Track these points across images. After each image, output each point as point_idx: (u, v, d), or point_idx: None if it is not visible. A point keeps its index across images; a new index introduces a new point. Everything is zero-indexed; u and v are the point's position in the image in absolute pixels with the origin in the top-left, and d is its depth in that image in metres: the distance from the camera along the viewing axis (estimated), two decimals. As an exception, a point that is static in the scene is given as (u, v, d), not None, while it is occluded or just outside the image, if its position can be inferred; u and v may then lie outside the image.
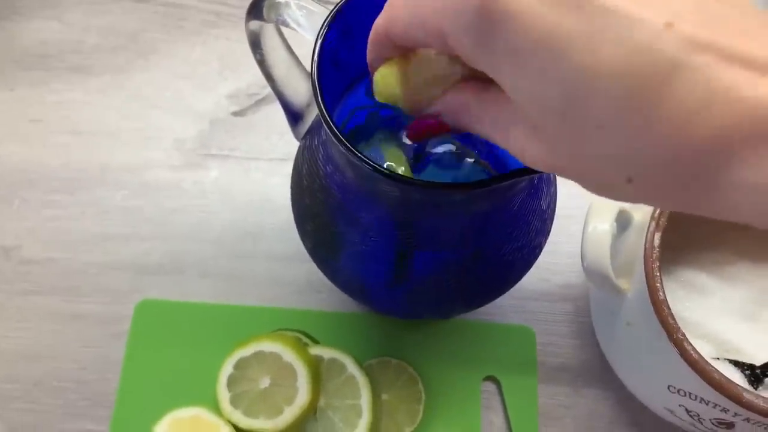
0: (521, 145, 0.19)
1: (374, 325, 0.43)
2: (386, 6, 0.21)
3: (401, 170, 0.29)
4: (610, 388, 0.42)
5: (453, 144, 0.32)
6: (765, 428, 0.33)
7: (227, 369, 0.39)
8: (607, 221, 0.35)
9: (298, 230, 0.36)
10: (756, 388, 0.37)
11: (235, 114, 0.49)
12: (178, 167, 0.47)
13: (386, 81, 0.22)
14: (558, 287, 0.44)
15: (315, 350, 0.40)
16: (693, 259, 0.41)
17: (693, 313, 0.39)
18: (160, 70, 0.50)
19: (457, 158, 0.32)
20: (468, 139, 0.32)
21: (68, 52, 0.51)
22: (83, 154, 0.47)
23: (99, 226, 0.45)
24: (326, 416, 0.39)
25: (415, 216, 0.29)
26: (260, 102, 0.50)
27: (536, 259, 0.35)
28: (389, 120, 0.35)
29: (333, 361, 0.40)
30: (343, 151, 0.24)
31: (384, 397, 0.40)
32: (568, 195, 0.45)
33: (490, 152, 0.32)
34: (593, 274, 0.36)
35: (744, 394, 0.31)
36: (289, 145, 0.47)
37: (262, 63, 0.33)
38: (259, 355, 0.39)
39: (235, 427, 0.39)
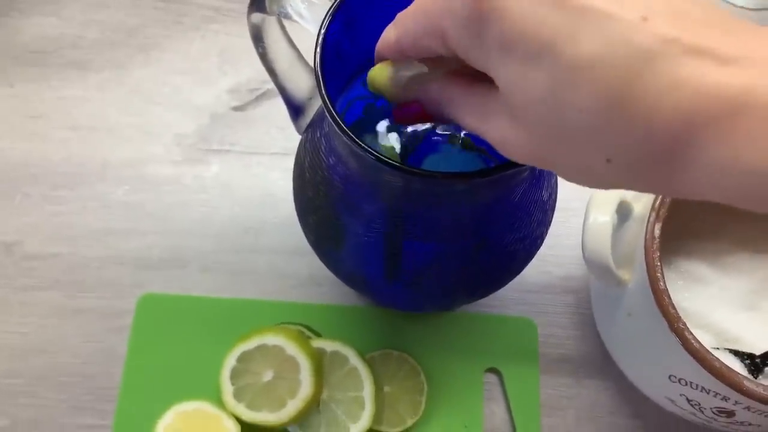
0: (503, 134, 0.20)
1: (376, 317, 0.43)
2: (396, 20, 0.23)
3: None
4: (611, 378, 0.42)
5: (450, 133, 0.32)
6: (765, 416, 0.33)
7: (230, 362, 0.39)
8: (608, 213, 0.35)
9: (301, 223, 0.36)
10: (756, 377, 0.37)
11: (236, 109, 0.49)
12: (178, 162, 0.47)
13: (378, 81, 0.24)
14: (559, 279, 0.45)
15: (317, 343, 0.40)
16: (693, 249, 0.41)
17: (693, 304, 0.40)
18: (160, 65, 0.50)
19: (456, 147, 0.32)
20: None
21: (67, 47, 0.51)
22: (84, 149, 0.47)
23: (100, 221, 0.45)
24: (329, 409, 0.39)
25: (417, 207, 0.29)
26: (261, 97, 0.50)
27: (537, 250, 0.35)
28: (386, 111, 0.35)
29: (335, 353, 0.40)
30: (347, 141, 0.24)
31: (386, 389, 0.40)
32: (569, 187, 0.45)
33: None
34: (594, 265, 0.36)
35: (745, 382, 0.31)
36: (290, 139, 0.47)
37: (264, 56, 0.33)
38: (262, 349, 0.39)
39: (238, 420, 0.39)
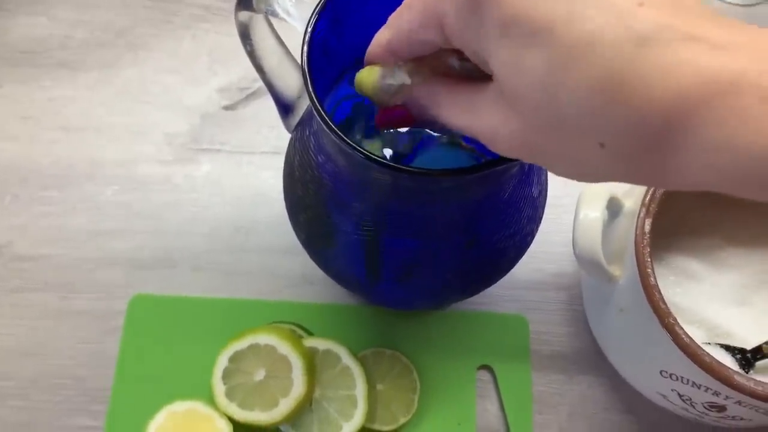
0: (493, 126, 0.20)
1: (368, 316, 0.43)
2: (388, 23, 0.23)
3: None
4: (603, 374, 0.42)
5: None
6: (756, 410, 0.34)
7: (222, 362, 0.39)
8: (598, 209, 0.35)
9: (291, 222, 0.36)
10: (747, 372, 0.37)
11: (226, 108, 0.49)
12: (169, 162, 0.47)
13: (365, 83, 0.24)
14: (551, 276, 0.45)
15: (310, 342, 0.40)
16: (684, 245, 0.41)
17: (685, 299, 0.40)
18: (150, 65, 0.50)
19: (446, 146, 0.32)
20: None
21: (56, 48, 0.50)
22: (73, 150, 0.47)
23: (91, 222, 0.45)
24: (322, 407, 0.39)
25: (406, 204, 0.29)
26: (251, 96, 0.49)
27: (528, 246, 0.35)
28: (375, 110, 0.35)
29: (328, 352, 0.40)
30: (335, 139, 0.24)
31: (379, 387, 0.40)
32: (559, 184, 0.45)
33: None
34: (585, 261, 0.36)
35: (735, 376, 0.32)
36: (281, 138, 0.47)
37: (252, 54, 0.33)
38: (253, 348, 0.39)
39: (230, 419, 0.39)
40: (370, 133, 0.36)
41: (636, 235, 0.35)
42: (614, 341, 0.39)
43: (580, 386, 0.42)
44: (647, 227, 0.35)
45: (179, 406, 0.39)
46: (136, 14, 0.52)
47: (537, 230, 0.35)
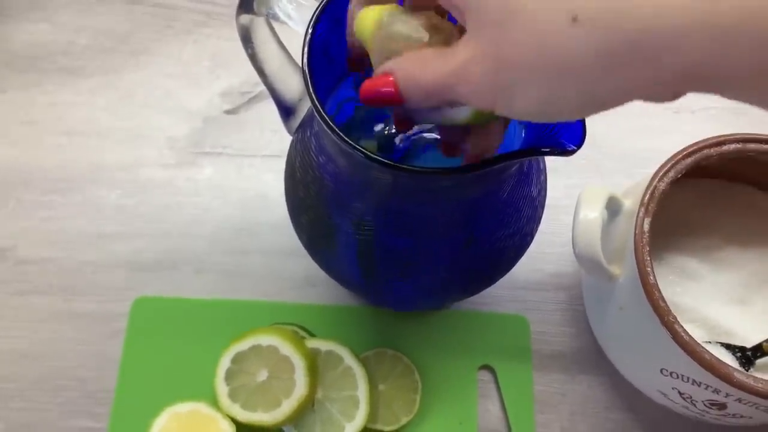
0: (465, 60, 0.20)
1: (370, 317, 0.43)
2: None
3: None
4: (604, 373, 0.42)
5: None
6: (757, 408, 0.34)
7: (225, 363, 0.39)
8: (597, 208, 0.35)
9: (293, 223, 0.36)
10: (747, 370, 0.37)
11: (228, 112, 0.49)
12: (171, 165, 0.48)
13: (364, 23, 0.23)
14: (551, 276, 0.45)
15: (312, 343, 0.40)
16: (684, 245, 0.42)
17: (685, 298, 0.40)
18: (152, 70, 0.51)
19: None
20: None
21: (59, 53, 0.51)
22: (76, 154, 0.48)
23: (94, 225, 0.45)
24: (324, 408, 0.39)
25: (407, 204, 0.29)
26: (253, 99, 0.50)
27: (528, 246, 0.35)
28: (376, 113, 0.36)
29: (330, 353, 0.40)
30: (335, 139, 0.25)
31: (381, 387, 0.41)
32: (560, 185, 0.46)
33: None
34: (585, 260, 0.36)
35: (735, 373, 0.32)
36: (282, 141, 0.48)
37: (254, 58, 0.33)
38: (256, 349, 0.39)
39: (233, 420, 0.39)
40: (371, 134, 0.36)
41: (635, 234, 0.35)
42: (615, 340, 0.40)
43: (581, 385, 0.42)
44: (646, 226, 0.35)
45: (182, 408, 0.39)
46: (138, 20, 0.52)
47: (536, 230, 0.35)
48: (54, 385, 0.41)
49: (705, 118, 0.50)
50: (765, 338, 0.37)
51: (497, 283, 0.37)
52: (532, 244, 0.36)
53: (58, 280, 0.44)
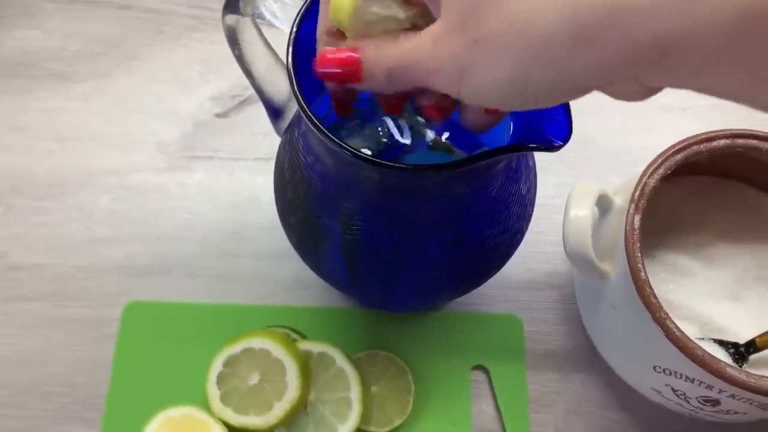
0: (434, 32, 0.20)
1: (362, 318, 0.43)
2: None
3: None
4: (598, 372, 0.42)
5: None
6: (751, 404, 0.34)
7: (217, 367, 0.39)
8: (588, 206, 0.35)
9: (283, 225, 0.36)
10: (741, 366, 0.37)
11: (219, 116, 0.49)
12: (162, 170, 0.47)
13: (341, 3, 0.22)
14: (544, 275, 0.45)
15: (304, 345, 0.40)
16: (675, 242, 0.42)
17: (677, 295, 0.40)
18: (142, 74, 0.51)
19: (431, 150, 0.32)
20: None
21: (50, 59, 0.51)
22: (68, 159, 0.48)
23: (85, 231, 0.45)
24: (317, 410, 0.39)
25: (394, 202, 0.29)
26: (243, 103, 0.50)
27: (518, 245, 0.35)
28: (367, 113, 0.36)
29: (322, 355, 0.40)
30: (321, 137, 0.25)
31: (374, 389, 0.40)
32: (551, 184, 0.46)
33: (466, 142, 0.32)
34: (576, 258, 0.36)
35: (727, 369, 0.32)
36: (273, 144, 0.47)
37: (241, 59, 0.33)
38: (248, 352, 0.39)
39: (226, 424, 0.39)
40: (362, 137, 0.36)
41: (626, 230, 0.35)
42: (608, 338, 0.39)
43: (575, 384, 0.42)
44: (637, 223, 0.35)
45: (175, 412, 0.39)
46: (128, 25, 0.52)
47: (527, 228, 0.35)
48: (45, 391, 0.41)
49: (695, 116, 0.50)
50: (758, 334, 0.37)
51: (490, 282, 0.37)
52: (524, 243, 0.36)
53: (50, 286, 0.44)
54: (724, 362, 0.32)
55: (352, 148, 0.24)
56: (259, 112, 0.46)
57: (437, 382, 0.41)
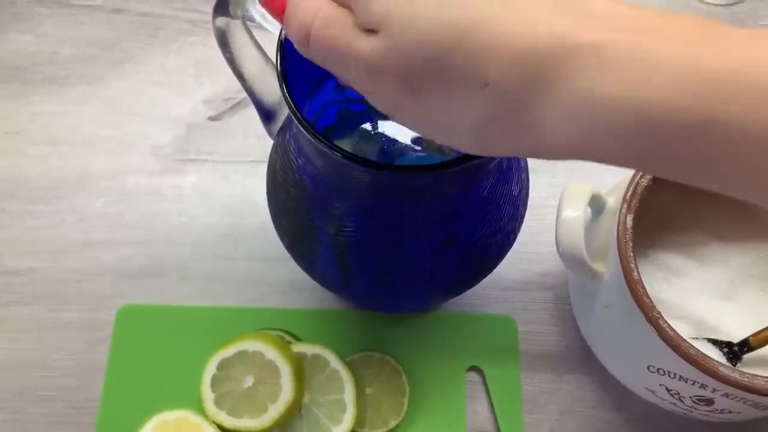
0: (380, 84, 0.20)
1: (356, 320, 0.43)
2: None
3: None
4: (592, 372, 0.42)
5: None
6: (744, 403, 0.34)
7: (210, 370, 0.39)
8: (580, 207, 0.35)
9: (275, 226, 0.36)
10: (735, 365, 0.37)
11: (212, 119, 0.50)
12: (156, 173, 0.47)
13: None
14: (537, 276, 0.45)
15: (298, 347, 0.40)
16: (669, 242, 0.42)
17: (671, 295, 0.40)
18: (136, 78, 0.51)
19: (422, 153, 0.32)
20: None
21: (43, 63, 0.51)
22: (62, 163, 0.48)
23: (79, 234, 0.45)
24: (311, 412, 0.39)
25: (385, 203, 0.29)
26: (236, 106, 0.50)
27: (511, 245, 0.35)
28: (359, 116, 0.36)
29: (316, 357, 0.40)
30: (311, 138, 0.25)
31: (368, 391, 0.40)
32: (545, 185, 0.46)
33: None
34: (568, 258, 0.36)
35: (720, 368, 0.32)
36: (266, 147, 0.47)
37: (232, 62, 0.33)
38: (241, 355, 0.39)
39: (220, 427, 0.39)
40: (353, 135, 0.36)
41: (618, 230, 0.35)
42: (601, 338, 0.39)
43: (570, 385, 0.42)
44: (629, 222, 0.35)
45: (169, 416, 0.39)
46: (122, 29, 0.52)
47: (519, 229, 0.35)
48: (39, 395, 0.41)
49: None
50: (751, 333, 0.37)
51: (484, 283, 0.37)
52: (517, 244, 0.36)
53: (43, 290, 0.44)
54: (717, 361, 0.32)
55: (342, 149, 0.24)
56: (253, 115, 0.46)
57: (432, 384, 0.41)
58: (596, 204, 0.38)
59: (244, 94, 0.49)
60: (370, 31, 0.20)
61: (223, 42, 0.32)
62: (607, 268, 0.37)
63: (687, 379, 0.34)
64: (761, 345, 0.37)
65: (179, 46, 0.52)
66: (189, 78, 0.51)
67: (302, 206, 0.32)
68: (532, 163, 0.36)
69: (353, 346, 0.42)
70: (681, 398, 0.36)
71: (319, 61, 0.22)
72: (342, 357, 0.40)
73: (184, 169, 0.48)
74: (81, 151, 0.48)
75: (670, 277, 0.41)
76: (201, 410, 0.39)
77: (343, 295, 0.41)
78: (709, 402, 0.35)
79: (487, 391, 0.41)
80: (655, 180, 0.36)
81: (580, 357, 0.43)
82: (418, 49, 0.19)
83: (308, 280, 0.38)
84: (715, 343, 0.38)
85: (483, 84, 0.18)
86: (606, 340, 0.39)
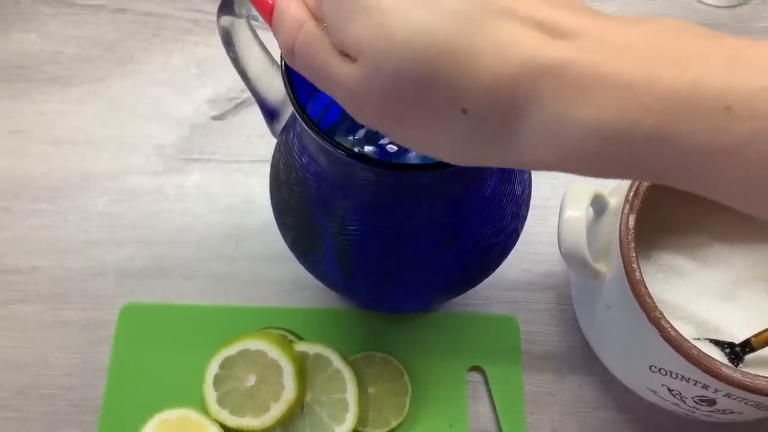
0: (364, 103, 0.20)
1: (359, 320, 0.43)
2: None
3: None
4: (594, 372, 0.42)
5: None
6: (746, 403, 0.34)
7: (213, 368, 0.39)
8: (582, 207, 0.35)
9: (278, 225, 0.36)
10: (737, 366, 0.37)
11: (215, 118, 0.50)
12: (159, 172, 0.48)
13: None
14: (540, 276, 0.45)
15: (300, 346, 0.40)
16: (671, 243, 0.42)
17: (673, 296, 0.40)
18: (139, 78, 0.51)
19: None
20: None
21: (47, 63, 0.51)
22: (65, 162, 0.48)
23: (82, 233, 0.45)
24: (313, 411, 0.39)
25: (389, 202, 0.29)
26: (239, 105, 0.50)
27: (513, 245, 0.35)
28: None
29: (318, 356, 0.40)
30: (314, 136, 0.25)
31: (370, 390, 0.40)
32: (547, 185, 0.46)
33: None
34: (571, 259, 0.36)
35: (722, 368, 0.32)
36: (269, 146, 0.47)
37: (236, 61, 0.33)
38: (244, 354, 0.39)
39: (222, 426, 0.39)
40: (358, 136, 0.36)
41: (620, 230, 0.35)
42: (603, 338, 0.39)
43: (571, 385, 0.42)
44: (631, 222, 0.35)
45: (171, 414, 0.39)
46: (125, 29, 0.53)
47: (522, 229, 0.35)
48: (42, 394, 0.41)
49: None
50: (753, 333, 0.37)
51: (486, 283, 0.37)
52: (520, 244, 0.36)
53: (46, 289, 0.44)
54: (719, 361, 0.32)
55: (345, 147, 0.24)
56: (256, 114, 0.46)
57: (434, 384, 0.41)
58: (598, 204, 0.38)
59: (247, 94, 0.50)
60: (348, 54, 0.20)
61: (228, 41, 0.32)
62: (609, 268, 0.37)
63: (689, 379, 0.34)
64: (763, 345, 0.37)
65: (182, 45, 0.52)
66: (192, 78, 0.51)
67: (305, 205, 0.32)
68: (534, 163, 0.36)
69: (355, 346, 0.42)
70: (683, 398, 0.36)
71: (306, 76, 0.22)
72: (344, 356, 0.40)
73: (187, 169, 0.48)
74: (84, 150, 0.48)
75: (672, 278, 0.41)
76: (203, 409, 0.39)
77: (345, 295, 0.41)
78: (711, 402, 0.35)
79: (489, 391, 0.41)
80: (657, 180, 0.36)
81: (581, 357, 0.43)
82: (394, 82, 0.19)
83: (311, 280, 0.38)
84: (717, 343, 0.38)
85: (461, 110, 0.19)
86: (608, 341, 0.39)
